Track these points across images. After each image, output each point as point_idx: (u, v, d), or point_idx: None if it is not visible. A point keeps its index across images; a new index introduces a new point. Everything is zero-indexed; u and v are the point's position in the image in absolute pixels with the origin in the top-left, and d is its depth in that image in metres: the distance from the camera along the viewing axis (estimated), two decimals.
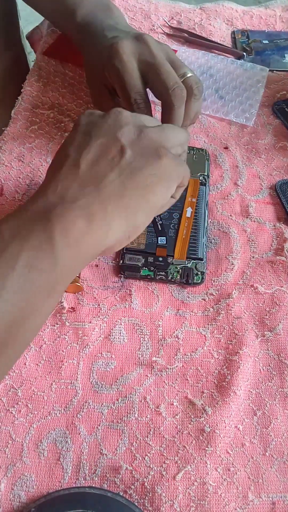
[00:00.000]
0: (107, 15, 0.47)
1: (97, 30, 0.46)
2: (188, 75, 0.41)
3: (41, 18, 0.64)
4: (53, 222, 0.27)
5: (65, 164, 0.31)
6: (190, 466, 0.31)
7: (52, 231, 0.27)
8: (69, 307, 0.37)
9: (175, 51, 0.58)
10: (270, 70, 0.57)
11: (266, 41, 0.60)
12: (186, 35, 0.60)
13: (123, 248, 0.40)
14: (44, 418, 0.33)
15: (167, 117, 0.41)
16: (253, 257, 0.41)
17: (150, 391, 0.34)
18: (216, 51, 0.59)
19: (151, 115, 0.41)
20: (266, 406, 0.34)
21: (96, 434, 0.32)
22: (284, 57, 0.59)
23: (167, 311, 0.38)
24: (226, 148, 0.49)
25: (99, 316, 0.37)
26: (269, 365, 0.36)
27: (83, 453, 0.32)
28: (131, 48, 0.40)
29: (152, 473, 0.31)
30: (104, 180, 0.30)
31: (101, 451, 0.32)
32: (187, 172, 0.35)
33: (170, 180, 0.33)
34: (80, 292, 0.38)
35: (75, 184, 0.30)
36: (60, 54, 0.56)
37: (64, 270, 0.28)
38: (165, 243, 0.40)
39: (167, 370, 0.35)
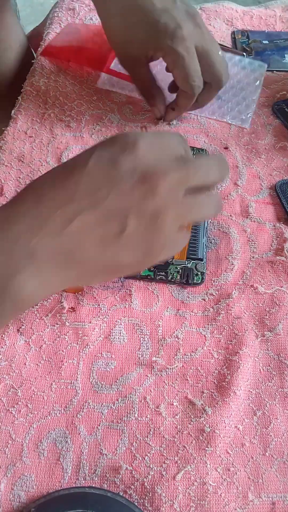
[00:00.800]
0: None
1: None
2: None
3: (41, 18, 0.64)
4: (7, 294, 0.26)
5: (62, 208, 0.26)
6: (190, 466, 0.31)
7: (2, 304, 0.26)
8: (69, 307, 0.37)
9: None
10: (270, 70, 0.57)
11: (266, 41, 0.60)
12: None
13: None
14: (44, 418, 0.33)
15: (209, 96, 0.47)
16: (253, 257, 0.41)
17: (150, 391, 0.34)
18: None
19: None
20: (266, 406, 0.34)
21: (96, 434, 0.32)
22: (284, 57, 0.59)
23: (167, 311, 0.38)
24: (226, 148, 0.49)
25: (99, 316, 0.37)
26: (269, 365, 0.36)
27: (83, 453, 0.32)
28: (191, 33, 0.41)
29: (152, 473, 0.31)
30: (84, 252, 0.27)
31: (101, 451, 0.32)
32: (181, 248, 0.32)
33: (145, 268, 0.32)
34: (80, 292, 0.38)
35: (54, 243, 0.26)
36: (58, 54, 0.56)
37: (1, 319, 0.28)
38: None
39: (167, 370, 0.35)
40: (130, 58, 0.46)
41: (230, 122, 0.51)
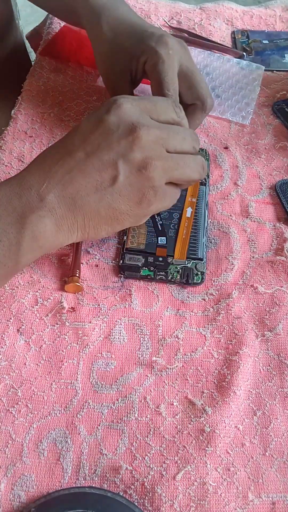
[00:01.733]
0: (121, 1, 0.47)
1: (120, 9, 0.45)
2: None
3: (41, 18, 0.64)
4: (26, 228, 0.30)
5: (61, 160, 0.31)
6: (190, 466, 0.31)
7: (23, 238, 0.30)
8: (69, 307, 0.37)
9: None
10: (270, 70, 0.57)
11: (266, 41, 0.60)
12: (186, 35, 0.60)
13: (123, 248, 0.40)
14: (44, 418, 0.33)
15: (193, 121, 0.44)
16: (253, 257, 0.41)
17: (150, 391, 0.34)
18: (216, 51, 0.59)
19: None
20: (266, 406, 0.34)
21: (96, 434, 0.32)
22: (284, 57, 0.59)
23: (167, 311, 0.38)
24: (226, 148, 0.49)
25: (99, 316, 0.37)
26: (269, 365, 0.36)
27: (83, 453, 0.32)
28: (177, 47, 0.42)
29: (152, 473, 0.31)
30: (84, 197, 0.31)
31: (101, 451, 0.32)
32: (171, 203, 0.35)
33: (143, 219, 0.35)
34: (80, 292, 0.38)
35: (58, 189, 0.31)
36: (57, 53, 0.56)
37: (23, 262, 0.32)
38: (165, 243, 0.40)
39: (167, 370, 0.35)
40: (114, 75, 0.46)
41: (230, 119, 0.51)
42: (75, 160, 0.31)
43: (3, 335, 0.36)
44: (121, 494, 0.30)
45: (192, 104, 0.43)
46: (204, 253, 0.40)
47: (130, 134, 0.31)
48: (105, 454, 0.32)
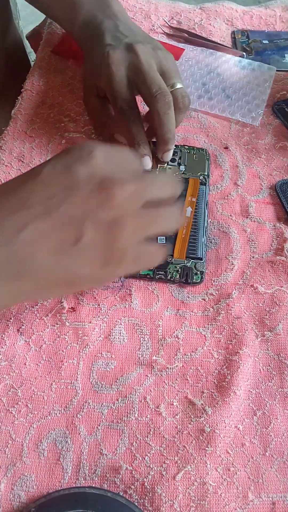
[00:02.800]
0: (106, 14, 0.47)
1: (94, 34, 0.46)
2: (177, 87, 0.43)
3: (41, 19, 0.64)
4: None
5: (15, 214, 0.26)
6: (190, 466, 0.31)
7: None
8: (69, 307, 0.37)
9: (182, 49, 0.58)
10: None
11: (266, 41, 0.60)
12: (186, 35, 0.60)
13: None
14: (44, 418, 0.33)
15: (156, 123, 0.41)
16: (253, 257, 0.41)
17: (150, 391, 0.34)
18: (216, 51, 0.59)
19: (139, 120, 0.42)
20: (266, 406, 0.34)
21: (96, 434, 0.32)
22: (284, 57, 0.59)
23: (167, 311, 0.38)
24: (226, 148, 0.49)
25: (99, 316, 0.37)
26: (269, 365, 0.36)
27: (83, 453, 0.32)
28: (120, 57, 0.42)
29: (152, 473, 0.31)
30: (36, 261, 0.26)
31: (101, 451, 0.32)
32: (149, 264, 0.33)
33: (106, 282, 0.33)
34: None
35: (6, 250, 0.25)
36: (70, 51, 0.56)
37: None
38: (164, 242, 0.40)
39: (167, 370, 0.35)
40: (86, 91, 0.48)
41: (240, 119, 0.51)
42: (32, 215, 0.26)
43: (3, 335, 0.36)
44: (121, 494, 0.30)
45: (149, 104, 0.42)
46: (203, 252, 0.40)
47: (102, 191, 0.27)
48: (105, 454, 0.32)
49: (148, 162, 0.42)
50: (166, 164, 0.45)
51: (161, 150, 0.43)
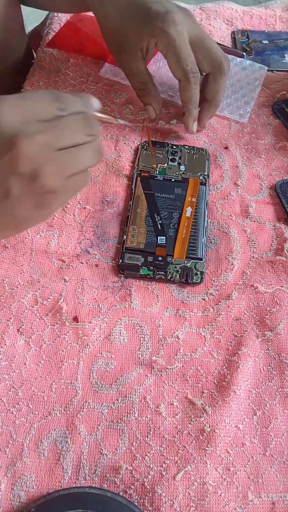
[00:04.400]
0: None
1: None
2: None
3: (41, 18, 0.64)
4: None
5: None
6: (190, 466, 0.31)
7: None
8: (72, 317, 0.37)
9: None
10: (270, 70, 0.57)
11: (266, 41, 0.60)
12: None
13: (123, 247, 0.40)
14: (45, 418, 0.33)
15: (218, 86, 0.45)
16: (253, 257, 0.41)
17: (150, 391, 0.34)
18: None
19: (199, 84, 0.45)
20: (266, 406, 0.34)
21: (96, 434, 0.32)
22: (284, 57, 0.59)
23: (167, 311, 0.38)
24: (226, 148, 0.49)
25: (99, 316, 0.37)
26: (269, 365, 0.36)
27: (83, 453, 0.32)
28: (183, 20, 0.43)
29: (152, 473, 0.31)
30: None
31: (101, 451, 0.32)
32: (79, 188, 0.33)
33: (49, 216, 0.33)
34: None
35: None
36: (64, 44, 0.57)
37: None
38: (164, 242, 0.40)
39: (167, 370, 0.35)
40: (125, 54, 0.46)
41: (228, 116, 0.51)
42: None
43: (3, 335, 0.36)
44: (121, 494, 0.30)
45: (211, 72, 0.45)
46: (203, 252, 0.40)
47: (11, 149, 0.28)
48: (105, 454, 0.32)
49: (195, 127, 0.47)
50: (166, 164, 0.45)
51: (210, 114, 0.48)
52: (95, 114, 0.33)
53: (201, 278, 0.39)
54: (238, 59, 0.57)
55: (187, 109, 0.46)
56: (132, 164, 0.46)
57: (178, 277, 0.39)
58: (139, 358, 0.36)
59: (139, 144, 0.48)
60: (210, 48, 0.44)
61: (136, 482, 0.31)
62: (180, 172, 0.45)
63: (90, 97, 0.33)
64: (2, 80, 0.60)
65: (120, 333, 0.37)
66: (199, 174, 0.45)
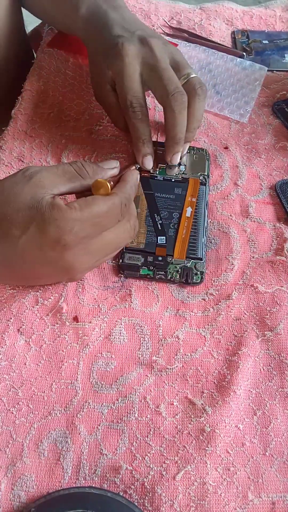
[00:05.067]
0: (110, 6, 0.47)
1: (100, 23, 0.45)
2: (192, 76, 0.43)
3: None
4: None
5: None
6: (190, 466, 0.31)
7: None
8: (72, 317, 0.37)
9: (176, 45, 0.58)
10: (270, 70, 0.57)
11: (266, 41, 0.60)
12: (186, 35, 0.60)
13: (123, 247, 0.40)
14: (45, 418, 0.33)
15: (169, 123, 0.41)
16: (253, 257, 0.41)
17: (150, 391, 0.34)
18: (209, 49, 0.59)
19: (147, 118, 0.42)
20: (266, 406, 0.34)
21: (96, 434, 0.32)
22: (284, 57, 0.59)
23: (167, 311, 0.38)
24: (226, 148, 0.49)
25: (99, 316, 0.37)
26: (269, 365, 0.36)
27: (83, 453, 0.32)
28: (135, 51, 0.41)
29: (152, 473, 0.31)
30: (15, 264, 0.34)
31: (101, 451, 0.32)
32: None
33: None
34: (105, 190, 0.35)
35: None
36: (64, 45, 0.56)
37: None
38: (164, 242, 0.40)
39: (167, 370, 0.35)
40: (98, 87, 0.46)
41: (228, 115, 0.51)
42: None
43: (3, 335, 0.36)
44: (121, 494, 0.30)
45: (163, 106, 0.42)
46: (203, 252, 0.40)
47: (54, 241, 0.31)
48: (105, 454, 0.32)
49: (149, 162, 0.43)
50: (166, 164, 0.45)
51: (171, 152, 0.43)
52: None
53: (201, 278, 0.39)
54: (238, 59, 0.57)
55: (134, 144, 0.43)
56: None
57: (178, 277, 0.39)
58: (139, 358, 0.36)
59: None
60: (159, 79, 0.41)
61: (136, 482, 0.31)
62: (180, 172, 0.45)
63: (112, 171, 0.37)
64: (2, 80, 0.60)
65: (120, 333, 0.37)
66: (199, 174, 0.45)
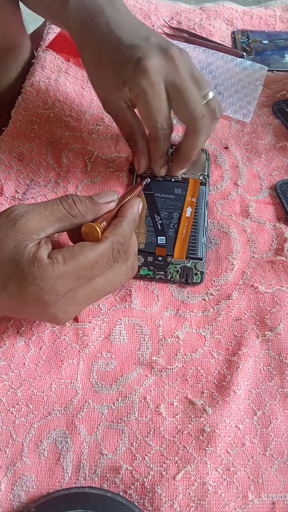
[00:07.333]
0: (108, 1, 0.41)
1: (99, 25, 0.40)
2: (210, 97, 0.39)
3: (41, 19, 0.64)
4: None
5: None
6: (190, 466, 0.31)
7: None
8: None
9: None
10: (270, 70, 0.57)
11: (266, 41, 0.60)
12: (186, 35, 0.60)
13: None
14: (44, 418, 0.33)
15: (189, 144, 0.40)
16: (253, 257, 0.41)
17: (150, 391, 0.34)
18: (210, 49, 0.59)
19: (169, 140, 0.41)
20: (267, 406, 0.34)
21: (96, 434, 0.32)
22: (284, 57, 0.59)
23: (167, 311, 0.38)
24: (226, 148, 0.49)
25: (99, 316, 0.37)
26: (269, 365, 0.36)
27: (83, 453, 0.32)
28: (159, 67, 0.37)
29: (152, 473, 0.31)
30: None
31: (101, 451, 0.32)
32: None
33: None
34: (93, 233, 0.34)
35: None
36: (65, 45, 0.56)
37: None
38: (164, 242, 0.40)
39: (167, 370, 0.35)
40: (108, 102, 0.42)
41: (231, 116, 0.51)
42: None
43: (3, 335, 0.36)
44: (121, 494, 0.30)
45: (186, 127, 0.39)
46: (203, 252, 0.40)
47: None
48: (105, 454, 0.32)
49: (165, 170, 0.44)
50: (166, 164, 0.45)
51: (180, 168, 0.43)
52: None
53: (201, 278, 0.39)
54: (239, 59, 0.57)
55: (153, 158, 0.42)
56: (132, 164, 0.46)
57: (178, 277, 0.39)
58: (139, 358, 0.36)
59: None
60: (186, 102, 0.37)
61: (136, 482, 0.31)
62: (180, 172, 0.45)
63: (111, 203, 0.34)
64: (2, 80, 0.60)
65: (120, 333, 0.37)
66: (199, 174, 0.45)
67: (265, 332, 0.37)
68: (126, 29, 0.39)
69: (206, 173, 0.45)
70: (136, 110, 0.41)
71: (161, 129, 0.39)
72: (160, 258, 0.39)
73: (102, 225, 0.32)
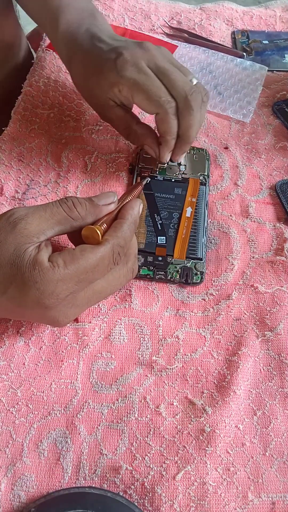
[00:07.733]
0: (91, 23, 0.44)
1: (85, 42, 0.43)
2: (195, 82, 0.41)
3: None
4: None
5: None
6: (190, 466, 0.31)
7: None
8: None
9: (176, 46, 0.58)
10: (270, 70, 0.57)
11: (266, 42, 0.60)
12: (186, 35, 0.60)
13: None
14: (44, 418, 0.33)
15: (186, 123, 0.40)
16: (253, 257, 0.41)
17: (150, 391, 0.34)
18: (210, 49, 0.59)
19: (176, 113, 0.40)
20: (266, 406, 0.34)
21: (96, 434, 0.32)
22: (284, 57, 0.59)
23: (167, 311, 0.38)
24: (226, 148, 0.49)
25: (99, 316, 0.37)
26: (269, 365, 0.36)
27: (83, 453, 0.32)
28: (138, 56, 0.39)
29: (152, 473, 0.31)
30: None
31: (101, 451, 0.32)
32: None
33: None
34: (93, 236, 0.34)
35: None
36: None
37: None
38: (164, 242, 0.40)
39: (167, 370, 0.35)
40: (100, 107, 0.44)
41: (231, 116, 0.51)
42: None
43: (3, 336, 0.36)
44: (121, 494, 0.30)
45: (178, 107, 0.39)
46: (203, 253, 0.40)
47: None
48: (105, 454, 0.32)
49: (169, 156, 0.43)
50: (166, 164, 0.45)
51: (180, 152, 0.43)
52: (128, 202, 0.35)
53: (201, 278, 0.39)
54: (239, 59, 0.57)
55: (165, 140, 0.41)
56: (132, 164, 0.46)
57: (178, 277, 0.39)
58: (139, 358, 0.36)
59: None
60: (174, 80, 0.38)
61: (136, 482, 0.31)
62: (180, 172, 0.45)
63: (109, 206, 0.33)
64: (2, 80, 0.60)
65: (120, 333, 0.37)
66: (199, 174, 0.45)
67: (265, 332, 0.37)
68: (105, 38, 0.42)
69: (206, 173, 0.45)
70: (135, 110, 0.41)
71: (167, 103, 0.38)
72: (160, 258, 0.39)
73: (102, 227, 0.32)
